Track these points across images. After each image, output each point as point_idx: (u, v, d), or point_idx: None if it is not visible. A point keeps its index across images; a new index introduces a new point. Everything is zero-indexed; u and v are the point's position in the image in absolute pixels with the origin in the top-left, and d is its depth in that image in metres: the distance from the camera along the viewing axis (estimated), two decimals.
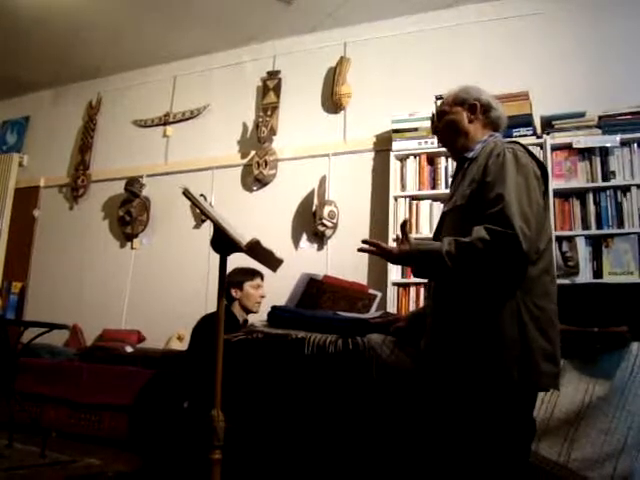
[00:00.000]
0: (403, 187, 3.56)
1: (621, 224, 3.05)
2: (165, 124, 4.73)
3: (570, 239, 3.13)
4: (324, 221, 3.82)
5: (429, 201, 3.50)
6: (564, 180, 3.20)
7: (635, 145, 3.10)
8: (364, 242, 1.62)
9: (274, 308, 2.07)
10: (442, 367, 1.51)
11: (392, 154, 3.61)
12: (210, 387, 1.63)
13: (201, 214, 3.99)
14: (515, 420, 1.46)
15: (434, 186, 3.50)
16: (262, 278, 3.04)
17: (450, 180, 3.03)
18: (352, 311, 2.18)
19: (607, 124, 3.14)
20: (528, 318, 1.44)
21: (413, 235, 3.26)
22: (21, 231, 5.06)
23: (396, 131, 3.63)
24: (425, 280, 2.08)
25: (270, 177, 4.20)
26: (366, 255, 3.76)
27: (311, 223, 3.94)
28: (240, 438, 1.84)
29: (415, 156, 3.57)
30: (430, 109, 3.50)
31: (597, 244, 3.09)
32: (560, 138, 3.21)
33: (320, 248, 3.94)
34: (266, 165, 4.19)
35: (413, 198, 3.53)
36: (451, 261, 1.43)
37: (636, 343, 1.87)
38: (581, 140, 3.15)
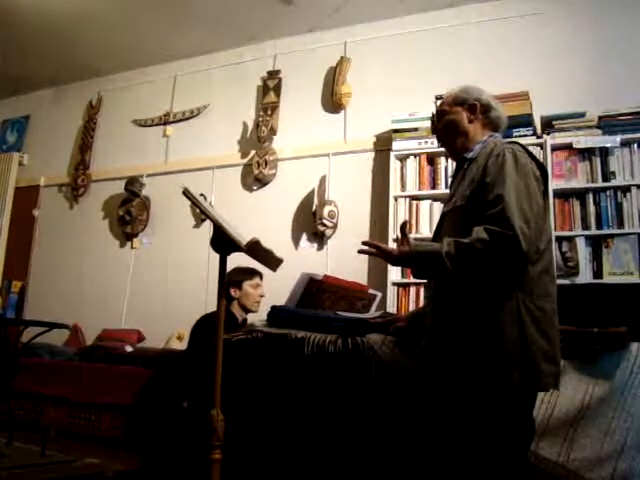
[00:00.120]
0: (403, 187, 3.56)
1: (621, 224, 3.05)
2: (165, 124, 4.73)
3: (570, 239, 3.12)
4: (324, 221, 3.82)
5: (429, 201, 3.49)
6: (564, 180, 3.20)
7: (635, 145, 3.10)
8: (364, 243, 1.62)
9: (274, 308, 2.07)
10: (442, 367, 1.51)
11: (392, 154, 3.61)
12: (210, 387, 1.63)
13: (201, 214, 3.99)
14: (515, 420, 1.46)
15: (434, 186, 3.50)
16: (261, 277, 3.04)
17: (450, 180, 3.03)
18: (352, 311, 2.18)
19: (607, 124, 3.14)
20: (528, 318, 1.44)
21: (413, 235, 3.26)
22: (21, 230, 5.06)
23: (396, 131, 3.63)
24: (425, 280, 2.08)
25: (270, 177, 4.20)
26: (366, 255, 3.80)
27: (311, 223, 3.94)
28: (240, 438, 1.84)
29: (415, 156, 3.57)
30: (430, 109, 3.47)
31: (597, 244, 3.09)
32: (560, 138, 3.21)
33: (320, 248, 3.94)
34: (266, 165, 4.19)
35: (413, 198, 3.53)
36: (451, 262, 1.43)
37: (636, 344, 1.86)
38: (581, 140, 3.15)
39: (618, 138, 3.09)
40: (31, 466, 2.64)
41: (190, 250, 4.26)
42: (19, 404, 3.27)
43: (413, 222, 3.47)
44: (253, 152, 4.29)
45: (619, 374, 1.83)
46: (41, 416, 3.59)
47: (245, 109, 4.44)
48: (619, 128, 3.11)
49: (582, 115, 3.22)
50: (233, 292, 2.98)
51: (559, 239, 3.12)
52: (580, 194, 3.17)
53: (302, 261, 3.68)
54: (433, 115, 3.46)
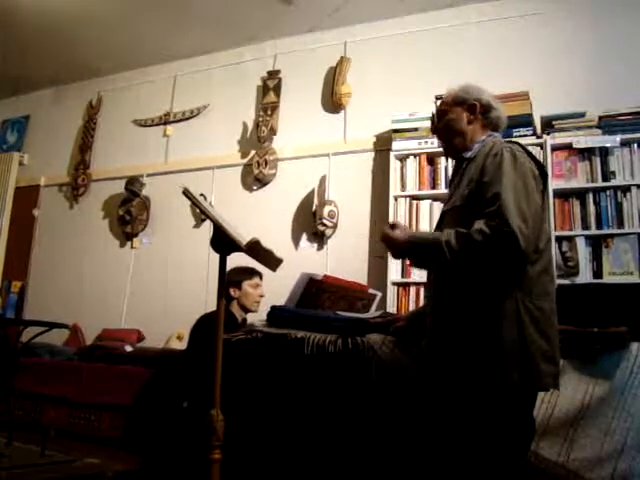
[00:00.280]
0: (403, 187, 3.56)
1: (621, 224, 3.05)
2: (165, 123, 4.73)
3: (570, 239, 3.12)
4: (324, 221, 3.82)
5: (429, 201, 3.49)
6: (564, 180, 3.20)
7: (635, 145, 3.10)
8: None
9: (274, 308, 2.07)
10: (442, 367, 1.51)
11: (392, 154, 3.61)
12: (209, 387, 1.63)
13: (201, 214, 3.99)
14: (514, 420, 1.46)
15: (434, 186, 3.49)
16: (261, 277, 3.04)
17: (449, 180, 3.03)
18: (352, 311, 2.18)
19: (607, 124, 3.13)
20: (527, 318, 1.44)
21: None
22: (21, 230, 5.06)
23: (396, 131, 3.62)
24: (425, 280, 2.08)
25: (270, 177, 4.20)
26: (366, 255, 3.82)
27: (311, 223, 3.94)
28: (240, 438, 1.84)
29: (415, 156, 3.57)
30: (430, 109, 3.47)
31: (597, 244, 3.09)
32: (560, 138, 3.21)
33: (320, 248, 3.94)
34: (266, 165, 4.19)
35: (413, 198, 3.53)
36: (449, 250, 1.43)
37: (636, 344, 1.86)
38: (581, 140, 3.15)
39: (618, 138, 3.09)
40: (31, 466, 2.64)
41: (190, 250, 4.26)
42: (19, 404, 3.27)
43: (413, 222, 3.46)
44: (253, 152, 4.29)
45: (619, 374, 1.83)
46: (41, 416, 3.59)
47: (245, 109, 4.44)
48: (619, 128, 3.11)
49: (582, 115, 3.22)
50: (232, 292, 2.98)
51: (559, 239, 3.12)
52: (580, 194, 3.17)
53: (302, 261, 3.68)
54: (433, 115, 3.47)
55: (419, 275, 3.31)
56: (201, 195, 3.43)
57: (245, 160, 4.34)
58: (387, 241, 1.60)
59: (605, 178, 3.12)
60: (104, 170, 4.89)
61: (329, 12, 4.07)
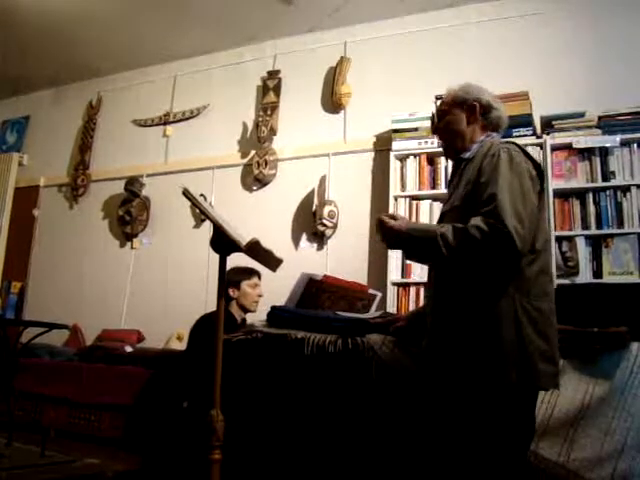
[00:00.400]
0: (403, 187, 3.56)
1: (621, 224, 3.05)
2: (165, 124, 4.73)
3: (570, 239, 3.12)
4: (324, 221, 3.82)
5: (429, 201, 3.49)
6: (564, 180, 3.20)
7: (635, 145, 3.10)
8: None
9: (274, 308, 2.07)
10: (442, 368, 1.51)
11: (392, 154, 3.61)
12: (209, 387, 1.63)
13: (201, 214, 3.98)
14: (514, 420, 1.46)
15: (434, 186, 3.49)
16: (259, 277, 3.04)
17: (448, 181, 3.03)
18: (352, 311, 2.18)
19: (607, 124, 3.13)
20: (525, 319, 1.44)
21: None
22: (21, 230, 5.05)
23: (396, 131, 3.62)
24: (424, 280, 2.08)
25: (270, 177, 4.20)
26: (366, 255, 3.82)
27: (311, 223, 3.94)
28: (240, 438, 1.84)
29: (415, 156, 3.57)
30: (430, 109, 3.50)
31: (597, 244, 3.09)
32: (560, 138, 3.21)
33: (320, 248, 3.94)
34: (266, 165, 4.19)
35: (413, 198, 3.53)
36: (444, 243, 1.43)
37: (636, 343, 1.86)
38: (581, 140, 3.15)
39: (618, 138, 3.09)
40: (31, 467, 2.64)
41: (190, 250, 4.26)
42: (19, 404, 3.27)
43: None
44: (253, 152, 4.29)
45: (619, 374, 1.83)
46: (41, 416, 3.59)
47: (245, 109, 4.44)
48: (619, 128, 3.11)
49: (582, 115, 3.22)
50: (231, 292, 2.98)
51: (559, 239, 3.12)
52: (580, 194, 3.17)
53: (302, 261, 3.68)
54: (433, 115, 3.48)
55: (419, 275, 3.32)
56: (201, 195, 3.43)
57: (245, 160, 4.34)
58: (383, 229, 1.58)
59: (605, 178, 3.12)
60: (104, 170, 4.89)
61: (329, 12, 4.07)
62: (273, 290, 2.77)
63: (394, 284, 3.42)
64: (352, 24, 4.16)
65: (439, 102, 1.82)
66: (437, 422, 1.54)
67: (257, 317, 2.66)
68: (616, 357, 1.85)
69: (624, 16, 3.46)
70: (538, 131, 3.30)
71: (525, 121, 3.25)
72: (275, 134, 4.25)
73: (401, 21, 4.04)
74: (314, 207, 3.92)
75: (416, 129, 3.58)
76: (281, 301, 2.13)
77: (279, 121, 4.27)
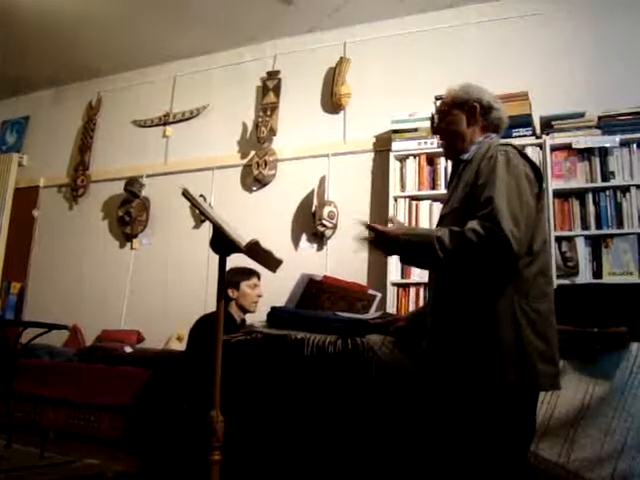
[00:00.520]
0: (403, 187, 3.56)
1: (620, 224, 3.05)
2: (165, 124, 4.73)
3: (569, 239, 3.12)
4: (324, 221, 3.82)
5: (429, 201, 3.49)
6: (563, 180, 3.20)
7: (634, 145, 3.10)
8: (364, 225, 1.60)
9: (273, 309, 2.07)
10: (441, 369, 1.51)
11: (392, 154, 3.61)
12: (209, 388, 1.62)
13: (200, 214, 3.98)
14: (513, 420, 1.45)
15: (434, 186, 3.49)
16: (259, 277, 3.04)
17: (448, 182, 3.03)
18: (352, 312, 2.18)
19: (606, 124, 3.14)
20: (524, 321, 1.44)
21: None
22: (20, 231, 5.05)
23: (396, 131, 3.62)
24: (426, 280, 2.08)
25: (270, 177, 4.20)
26: (366, 255, 3.81)
27: (311, 223, 3.94)
28: (239, 439, 1.84)
29: (415, 156, 3.57)
30: (430, 109, 3.50)
31: (596, 244, 3.09)
32: (560, 138, 3.21)
33: (320, 248, 3.94)
34: (266, 165, 4.19)
35: (413, 198, 3.53)
36: (440, 246, 1.43)
37: (636, 344, 1.86)
38: (580, 140, 3.15)
39: (617, 138, 3.09)
40: (30, 468, 2.64)
41: (190, 251, 4.26)
42: (18, 406, 3.27)
43: (413, 222, 3.46)
44: (253, 153, 4.28)
45: (619, 374, 1.82)
46: (40, 418, 3.59)
47: (245, 109, 4.44)
48: (618, 128, 3.11)
49: (581, 115, 3.22)
50: (231, 293, 2.98)
51: (559, 239, 3.12)
52: (579, 194, 3.17)
53: (302, 262, 3.68)
54: (433, 116, 3.48)
55: (419, 276, 3.31)
56: (200, 196, 3.43)
57: (245, 161, 4.34)
58: (380, 238, 1.57)
59: (604, 178, 3.12)
60: (104, 171, 4.89)
61: (329, 12, 4.07)
62: (273, 291, 2.77)
63: (394, 284, 3.42)
64: (352, 24, 4.16)
65: (439, 102, 1.82)
66: (437, 423, 1.53)
67: (257, 318, 2.66)
68: (616, 357, 1.85)
69: (624, 16, 3.46)
70: (538, 131, 3.30)
71: (525, 121, 3.25)
72: (275, 134, 4.25)
73: (401, 21, 4.04)
74: (314, 208, 3.91)
75: (416, 129, 3.58)
76: (281, 302, 2.13)
77: (279, 121, 4.27)
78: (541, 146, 3.23)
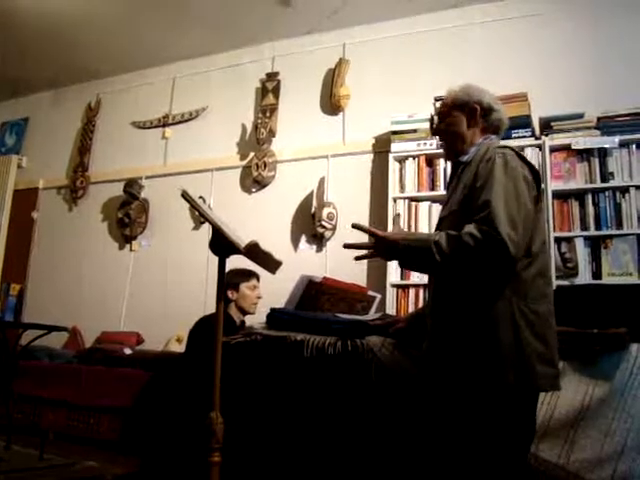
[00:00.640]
0: (402, 188, 3.56)
1: (620, 225, 3.05)
2: (164, 126, 4.73)
3: (569, 240, 3.12)
4: (323, 223, 3.82)
5: (428, 202, 3.49)
6: (563, 181, 3.20)
7: (634, 146, 3.10)
8: (354, 226, 1.60)
9: (273, 310, 2.07)
10: (441, 370, 1.51)
11: (391, 155, 3.61)
12: (209, 389, 1.62)
13: (200, 216, 3.98)
14: (513, 422, 1.45)
15: (433, 187, 3.49)
16: (258, 279, 3.04)
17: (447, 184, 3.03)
18: (351, 313, 2.18)
19: (606, 125, 3.14)
20: (523, 322, 1.44)
21: None
22: (20, 233, 5.05)
23: (395, 133, 3.62)
24: (425, 281, 2.08)
25: (269, 179, 4.20)
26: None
27: (310, 225, 3.94)
28: (239, 440, 1.84)
29: (414, 157, 3.57)
30: (429, 111, 3.51)
31: (596, 245, 3.09)
32: (559, 139, 3.21)
33: (319, 250, 3.94)
34: (265, 167, 4.19)
35: (412, 199, 3.52)
36: (437, 250, 1.43)
37: (635, 345, 1.86)
38: (580, 141, 3.15)
39: (617, 139, 3.09)
40: (29, 470, 2.64)
41: (189, 252, 4.26)
42: (18, 407, 3.26)
43: (412, 223, 3.47)
44: (252, 154, 4.28)
45: (619, 375, 1.82)
46: (40, 419, 3.58)
47: (244, 111, 4.44)
48: (618, 129, 3.11)
49: (581, 116, 3.22)
50: (230, 294, 2.98)
51: (558, 240, 3.12)
52: (579, 195, 3.17)
53: (301, 263, 3.67)
54: (432, 117, 3.48)
55: (418, 277, 3.31)
56: (200, 197, 3.41)
57: (244, 162, 4.34)
58: (380, 243, 1.57)
59: (604, 179, 3.12)
60: (103, 172, 4.89)
61: (327, 14, 4.07)
62: (272, 292, 2.76)
63: (393, 286, 3.42)
64: (351, 26, 4.17)
65: (439, 103, 1.82)
66: (437, 424, 1.53)
67: (256, 319, 2.66)
68: (616, 358, 1.85)
69: (624, 17, 3.46)
70: (537, 132, 3.30)
71: (524, 122, 3.25)
72: (274, 136, 4.25)
73: (400, 23, 4.04)
74: (313, 209, 3.92)
75: (415, 130, 3.58)
76: (280, 303, 2.12)
77: (278, 123, 4.27)
78: (540, 147, 3.23)
